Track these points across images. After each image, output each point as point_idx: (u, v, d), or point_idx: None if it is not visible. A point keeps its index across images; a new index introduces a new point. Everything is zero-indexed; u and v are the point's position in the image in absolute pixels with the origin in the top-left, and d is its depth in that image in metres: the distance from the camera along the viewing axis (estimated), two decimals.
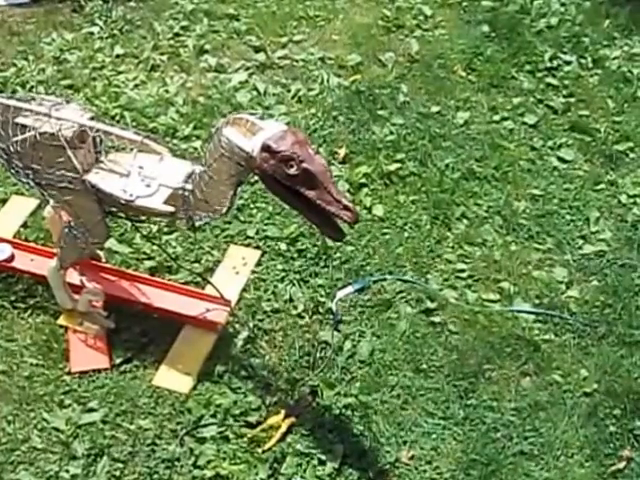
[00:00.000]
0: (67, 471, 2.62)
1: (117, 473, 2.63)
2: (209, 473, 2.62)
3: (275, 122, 2.49)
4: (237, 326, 2.96)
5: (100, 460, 2.65)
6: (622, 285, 3.12)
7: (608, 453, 2.69)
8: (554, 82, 3.91)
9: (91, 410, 2.75)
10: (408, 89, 3.85)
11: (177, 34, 4.11)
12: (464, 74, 3.94)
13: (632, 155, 3.61)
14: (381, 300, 3.06)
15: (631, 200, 3.43)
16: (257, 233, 3.25)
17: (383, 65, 3.98)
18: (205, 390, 2.80)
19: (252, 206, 3.33)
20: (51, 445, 2.68)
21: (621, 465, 2.67)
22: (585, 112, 3.77)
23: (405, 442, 2.70)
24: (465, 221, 3.33)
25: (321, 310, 3.02)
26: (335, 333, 2.96)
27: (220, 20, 4.19)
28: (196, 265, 3.13)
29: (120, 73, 3.89)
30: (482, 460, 2.66)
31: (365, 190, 3.42)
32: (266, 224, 3.28)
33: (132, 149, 2.64)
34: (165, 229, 3.22)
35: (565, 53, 4.04)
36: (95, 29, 4.11)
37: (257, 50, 4.04)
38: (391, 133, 3.64)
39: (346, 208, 2.33)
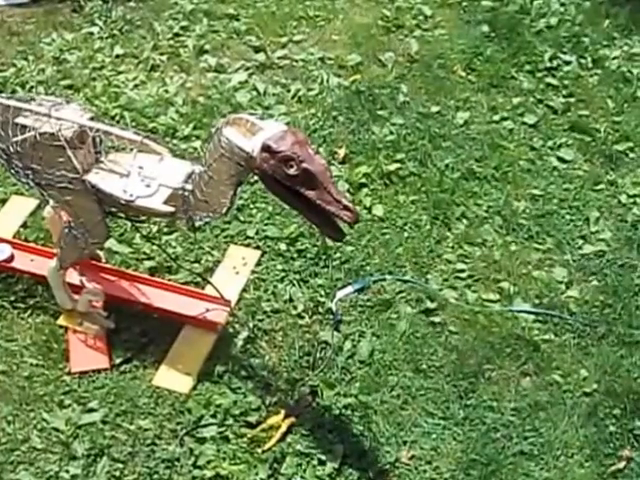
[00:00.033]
0: (67, 471, 2.62)
1: (117, 473, 2.63)
2: (209, 473, 2.62)
3: (275, 122, 2.49)
4: (237, 326, 2.96)
5: (100, 460, 2.65)
6: (622, 285, 3.12)
7: (608, 453, 2.69)
8: (554, 82, 3.91)
9: (91, 410, 2.75)
10: (408, 89, 3.85)
11: (177, 34, 4.11)
12: (464, 74, 3.94)
13: (632, 155, 3.61)
14: (381, 300, 3.06)
15: (631, 200, 3.43)
16: (257, 233, 3.25)
17: (383, 65, 3.98)
18: (205, 390, 2.80)
19: (252, 206, 3.33)
20: (51, 445, 2.68)
21: (621, 465, 2.67)
22: (585, 112, 3.77)
23: (405, 442, 2.70)
24: (465, 221, 3.33)
25: (321, 310, 3.02)
26: (335, 333, 2.96)
27: (220, 20, 4.19)
28: (196, 265, 3.13)
29: (120, 73, 3.89)
30: (482, 460, 2.66)
31: (365, 190, 3.42)
32: (266, 224, 3.28)
33: (132, 149, 2.64)
34: (165, 229, 3.22)
35: (565, 53, 4.04)
36: (95, 29, 4.11)
37: (257, 50, 4.04)
38: (391, 133, 3.64)
39: (346, 208, 2.33)
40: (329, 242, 3.09)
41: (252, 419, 2.72)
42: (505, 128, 3.70)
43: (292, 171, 2.34)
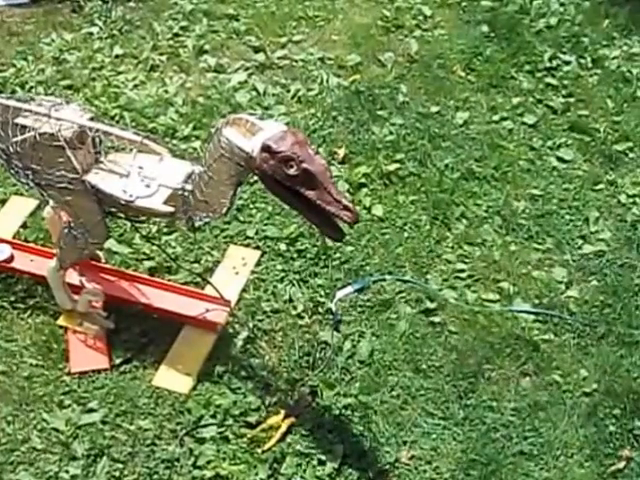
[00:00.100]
0: (67, 471, 2.62)
1: (117, 473, 2.63)
2: (209, 473, 2.62)
3: (275, 122, 2.49)
4: (237, 326, 2.96)
5: (100, 460, 2.65)
6: (621, 285, 3.12)
7: (608, 453, 2.70)
8: (553, 82, 3.91)
9: (91, 410, 2.75)
10: (407, 89, 3.85)
11: (176, 34, 4.11)
12: (463, 74, 3.94)
13: (631, 155, 3.61)
14: (381, 300, 3.06)
15: (630, 200, 3.43)
16: (257, 233, 3.25)
17: (382, 65, 3.98)
18: (205, 390, 2.80)
19: (252, 206, 3.33)
20: (51, 445, 2.68)
21: (621, 465, 2.67)
22: (584, 112, 3.77)
23: (405, 442, 2.70)
24: (464, 221, 3.33)
25: (321, 310, 3.03)
26: (335, 333, 2.96)
27: (219, 20, 4.20)
28: (196, 265, 3.13)
29: (119, 73, 3.89)
30: (482, 460, 2.66)
31: (364, 190, 3.42)
32: (266, 224, 3.28)
33: (132, 149, 2.64)
34: (165, 229, 3.22)
35: (564, 53, 4.04)
36: (94, 29, 4.11)
37: (256, 50, 4.04)
38: (390, 133, 3.64)
39: (346, 208, 2.33)
40: (329, 242, 3.09)
41: (252, 419, 2.72)
42: (505, 128, 3.70)
43: (292, 171, 2.34)
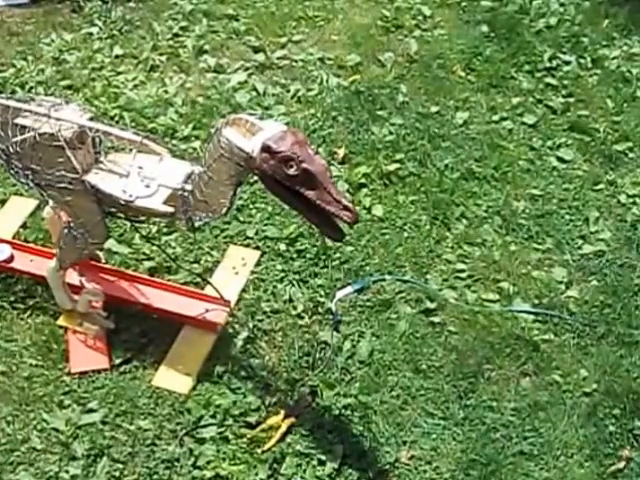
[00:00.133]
0: (67, 472, 2.62)
1: (117, 474, 2.63)
2: (209, 474, 2.62)
3: (274, 122, 2.49)
4: (237, 326, 2.96)
5: (100, 461, 2.65)
6: (621, 285, 3.12)
7: (608, 453, 2.70)
8: (553, 82, 3.91)
9: (91, 411, 2.75)
10: (407, 89, 3.85)
11: (176, 34, 4.11)
12: (463, 74, 3.94)
13: (631, 155, 3.61)
14: (380, 300, 3.06)
15: (630, 200, 3.43)
16: (256, 233, 3.25)
17: (382, 65, 3.98)
18: (205, 390, 2.80)
19: (251, 206, 3.33)
20: (51, 446, 2.68)
21: (621, 465, 2.67)
22: (584, 112, 3.77)
23: (405, 442, 2.70)
24: (464, 221, 3.33)
25: (321, 310, 3.03)
26: (335, 333, 2.96)
27: (219, 20, 4.20)
28: (195, 265, 3.13)
29: (119, 73, 3.89)
30: (482, 460, 2.66)
31: (364, 190, 3.42)
32: (265, 224, 3.28)
33: (131, 149, 2.64)
34: (164, 229, 3.22)
35: (564, 53, 4.04)
36: (94, 29, 4.11)
37: (256, 50, 4.04)
38: (390, 133, 3.64)
39: (346, 208, 2.33)
40: (329, 242, 3.09)
41: (252, 419, 2.72)
42: (504, 128, 3.70)
43: (292, 171, 2.34)
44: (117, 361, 2.86)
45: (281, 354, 2.90)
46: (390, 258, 3.19)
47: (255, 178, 2.50)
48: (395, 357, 2.90)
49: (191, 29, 4.14)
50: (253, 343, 2.92)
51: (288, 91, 3.83)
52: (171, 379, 2.82)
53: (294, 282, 3.10)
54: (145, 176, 2.61)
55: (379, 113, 3.73)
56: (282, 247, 3.20)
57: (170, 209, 2.58)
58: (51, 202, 2.83)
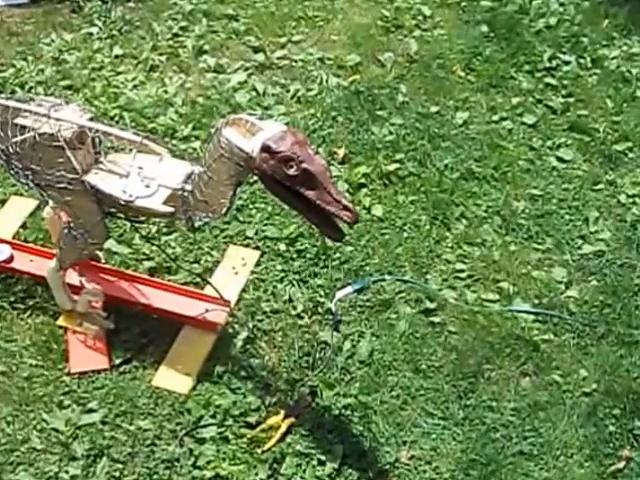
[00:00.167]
0: (67, 472, 2.62)
1: (117, 474, 2.63)
2: (209, 474, 2.62)
3: (274, 122, 2.49)
4: (236, 326, 2.96)
5: (100, 461, 2.65)
6: (621, 285, 3.12)
7: (608, 453, 2.70)
8: (553, 82, 3.91)
9: (90, 411, 2.75)
10: (407, 89, 3.85)
11: (176, 34, 4.11)
12: (463, 74, 3.94)
13: (631, 155, 3.61)
14: (380, 300, 3.06)
15: (630, 200, 3.43)
16: (256, 233, 3.25)
17: (382, 65, 3.98)
18: (205, 391, 2.80)
19: (251, 206, 3.34)
20: (51, 446, 2.68)
21: (621, 465, 2.67)
22: (584, 112, 3.77)
23: (405, 442, 2.70)
24: (464, 221, 3.33)
25: (320, 310, 3.02)
26: (334, 333, 2.96)
27: (219, 20, 4.20)
28: (195, 265, 3.13)
29: (119, 74, 3.89)
30: (482, 460, 2.66)
31: (364, 190, 3.42)
32: (265, 224, 3.28)
33: (131, 150, 2.64)
34: (164, 230, 3.22)
35: (564, 53, 4.04)
36: (94, 30, 4.11)
37: (256, 50, 4.04)
38: (390, 133, 3.64)
39: (346, 208, 2.33)
40: (329, 242, 3.09)
41: (252, 419, 2.72)
42: (504, 128, 3.70)
43: (292, 171, 2.34)
44: (117, 361, 2.86)
45: (281, 354, 2.90)
46: (390, 258, 3.19)
47: (255, 178, 2.50)
48: (395, 357, 2.90)
49: (191, 29, 4.14)
50: (253, 343, 2.92)
51: (288, 91, 3.83)
52: (171, 379, 2.82)
53: (294, 282, 3.10)
54: (145, 176, 2.61)
55: (379, 113, 3.73)
56: (282, 247, 3.20)
57: (170, 209, 2.58)
58: (51, 202, 2.83)
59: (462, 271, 3.16)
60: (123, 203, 2.60)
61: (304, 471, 2.62)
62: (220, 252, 3.19)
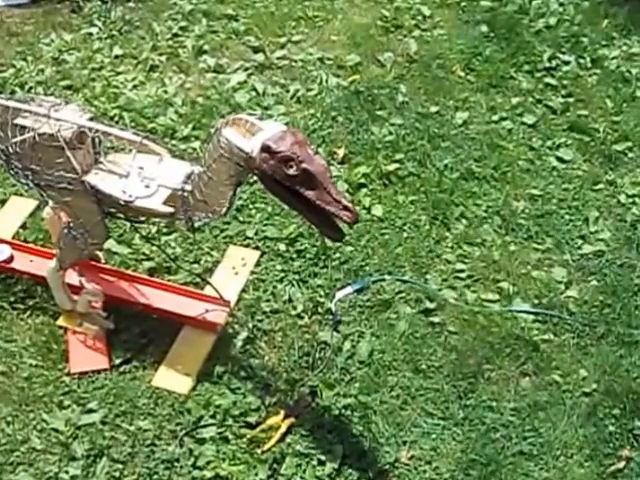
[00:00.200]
0: (67, 472, 2.62)
1: (117, 474, 2.63)
2: (209, 474, 2.62)
3: (274, 122, 2.49)
4: (236, 327, 2.96)
5: (99, 461, 2.65)
6: (621, 285, 3.12)
7: (607, 453, 2.70)
8: (553, 82, 3.91)
9: (90, 411, 2.74)
10: (407, 89, 3.85)
11: (176, 35, 4.11)
12: (463, 74, 3.94)
13: (631, 155, 3.61)
14: (380, 300, 3.06)
15: (630, 200, 3.43)
16: (256, 234, 3.25)
17: (382, 65, 3.98)
18: (204, 391, 2.80)
19: (251, 206, 3.33)
20: (50, 446, 2.68)
21: (620, 465, 2.67)
22: (584, 112, 3.77)
23: (405, 442, 2.70)
24: (464, 221, 3.33)
25: (320, 310, 3.02)
26: (334, 333, 2.96)
27: (219, 20, 4.20)
28: (195, 266, 3.13)
29: (119, 74, 3.89)
30: (481, 460, 2.66)
31: (364, 190, 3.42)
32: (265, 224, 3.28)
33: (131, 150, 2.64)
34: (164, 230, 3.22)
35: (564, 53, 4.04)
36: (94, 30, 4.11)
37: (256, 50, 4.04)
38: (390, 133, 3.64)
39: (346, 208, 2.33)
40: (328, 242, 3.09)
41: (252, 420, 2.72)
42: (504, 128, 3.70)
43: (292, 171, 2.34)
44: (117, 361, 2.86)
45: (281, 354, 2.90)
46: (390, 258, 3.19)
47: (255, 178, 2.50)
48: (395, 357, 2.90)
49: (191, 29, 4.14)
50: (253, 343, 2.92)
51: (287, 91, 3.83)
52: (171, 379, 2.82)
53: (294, 282, 3.10)
54: (145, 176, 2.61)
55: (379, 113, 3.73)
56: (282, 247, 3.20)
57: (170, 209, 2.58)
58: (51, 202, 2.83)
59: (462, 271, 3.16)
60: (123, 203, 2.60)
61: (304, 471, 2.62)
62: (220, 252, 3.19)
